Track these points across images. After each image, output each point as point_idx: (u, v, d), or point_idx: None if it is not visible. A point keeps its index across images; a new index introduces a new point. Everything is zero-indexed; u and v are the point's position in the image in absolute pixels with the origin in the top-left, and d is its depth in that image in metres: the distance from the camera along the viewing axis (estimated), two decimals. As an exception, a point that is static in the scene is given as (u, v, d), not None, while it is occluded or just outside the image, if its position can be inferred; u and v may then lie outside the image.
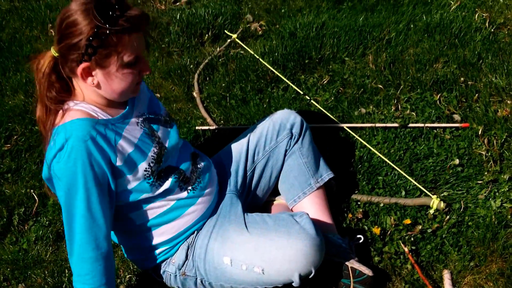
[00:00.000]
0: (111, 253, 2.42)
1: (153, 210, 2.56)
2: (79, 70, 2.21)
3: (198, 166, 2.74)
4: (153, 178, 2.47)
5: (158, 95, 4.11)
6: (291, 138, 2.97)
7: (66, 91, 2.34)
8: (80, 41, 2.14)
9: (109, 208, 2.37)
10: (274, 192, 3.10)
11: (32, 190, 3.38)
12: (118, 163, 2.33)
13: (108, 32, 2.12)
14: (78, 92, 2.34)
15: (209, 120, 3.82)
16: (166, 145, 2.57)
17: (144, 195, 2.48)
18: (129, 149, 2.38)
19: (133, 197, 2.47)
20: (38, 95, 2.33)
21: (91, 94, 2.34)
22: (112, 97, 2.35)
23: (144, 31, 2.27)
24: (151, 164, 2.46)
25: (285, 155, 3.00)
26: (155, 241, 2.64)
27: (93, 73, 2.24)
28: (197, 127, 3.75)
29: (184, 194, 2.60)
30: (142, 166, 2.42)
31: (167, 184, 2.52)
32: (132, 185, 2.43)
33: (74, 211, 2.27)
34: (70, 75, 2.29)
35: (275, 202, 3.10)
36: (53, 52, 2.25)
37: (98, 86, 2.29)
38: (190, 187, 2.63)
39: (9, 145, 3.78)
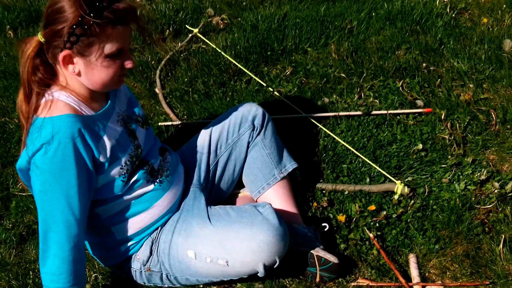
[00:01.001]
0: (85, 252, 2.41)
1: (120, 204, 2.54)
2: (60, 57, 2.20)
3: (166, 160, 2.73)
4: (127, 177, 2.47)
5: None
6: (253, 130, 2.96)
7: (51, 74, 2.32)
8: (63, 28, 2.14)
9: (87, 206, 2.37)
10: (239, 184, 3.08)
11: (-6, 193, 3.35)
12: (102, 159, 2.33)
13: (91, 22, 2.12)
14: (62, 78, 2.33)
15: (172, 115, 3.80)
16: (142, 146, 2.57)
17: (115, 192, 2.47)
18: (111, 145, 2.38)
19: (104, 194, 2.46)
20: (21, 79, 2.31)
21: (74, 83, 2.32)
22: (94, 87, 2.33)
23: (132, 24, 2.27)
24: (128, 163, 2.45)
25: (248, 148, 2.99)
26: (120, 237, 2.62)
27: (74, 61, 2.23)
28: (160, 123, 3.72)
29: (151, 187, 2.58)
30: (121, 162, 2.42)
31: (135, 176, 2.50)
32: (106, 182, 2.43)
33: (53, 207, 2.26)
34: (53, 61, 2.27)
35: (240, 195, 3.09)
36: (39, 37, 2.23)
37: (79, 74, 2.27)
38: (157, 180, 2.61)
39: (-31, 149, 3.74)
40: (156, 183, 2.60)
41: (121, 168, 2.42)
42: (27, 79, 2.28)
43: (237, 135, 2.96)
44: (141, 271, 2.66)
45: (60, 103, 2.27)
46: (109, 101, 2.46)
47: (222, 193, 3.03)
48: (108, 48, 2.20)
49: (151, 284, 2.72)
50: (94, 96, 2.40)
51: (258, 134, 2.97)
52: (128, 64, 2.32)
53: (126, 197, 2.53)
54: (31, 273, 2.85)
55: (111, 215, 2.56)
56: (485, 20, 4.53)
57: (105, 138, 2.36)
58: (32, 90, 2.29)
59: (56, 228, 2.27)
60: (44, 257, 2.33)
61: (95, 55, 2.21)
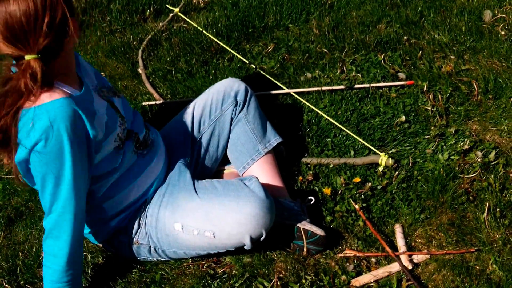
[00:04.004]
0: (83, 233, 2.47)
1: (112, 179, 2.54)
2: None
3: (149, 133, 2.74)
4: (122, 148, 2.50)
5: (103, 73, 4.07)
6: (236, 105, 2.97)
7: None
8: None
9: (87, 185, 2.39)
10: (225, 161, 3.09)
11: (-20, 177, 3.34)
12: (99, 135, 2.34)
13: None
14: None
15: (155, 95, 3.80)
16: (124, 114, 2.58)
17: (112, 166, 2.50)
18: (105, 120, 2.39)
19: (102, 169, 2.47)
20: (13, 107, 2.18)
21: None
22: (71, 69, 2.37)
23: None
24: (120, 135, 2.48)
25: (231, 123, 2.99)
26: (111, 212, 2.63)
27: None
28: (144, 103, 3.72)
29: (137, 159, 2.61)
30: (114, 135, 2.44)
31: (124, 148, 2.53)
32: (104, 157, 2.44)
33: (60, 192, 2.27)
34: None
35: (225, 171, 3.10)
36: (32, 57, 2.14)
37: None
38: (144, 152, 2.64)
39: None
40: (140, 155, 2.62)
41: (115, 141, 2.45)
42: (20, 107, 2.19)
43: (220, 111, 2.97)
44: (130, 244, 2.68)
45: (54, 87, 2.24)
46: (84, 80, 2.46)
47: (207, 169, 3.03)
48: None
49: (140, 258, 2.74)
50: (72, 77, 2.39)
51: (241, 109, 2.98)
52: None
53: (117, 171, 2.54)
54: (20, 254, 2.86)
55: (104, 191, 2.56)
56: (464, -9, 4.55)
57: (99, 114, 2.36)
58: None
59: (62, 211, 2.29)
60: (58, 243, 2.35)
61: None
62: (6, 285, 2.72)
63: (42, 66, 2.13)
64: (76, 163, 2.25)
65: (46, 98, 2.19)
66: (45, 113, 2.16)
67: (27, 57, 2.12)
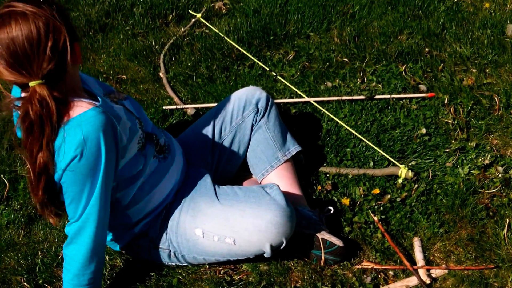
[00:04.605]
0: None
1: (136, 185, 2.55)
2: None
3: (165, 137, 2.75)
4: (144, 149, 2.51)
5: (125, 76, 4.09)
6: (257, 113, 2.97)
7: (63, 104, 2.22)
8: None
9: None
10: (245, 168, 3.10)
11: (2, 175, 3.33)
12: (124, 139, 2.35)
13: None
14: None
15: (176, 99, 3.81)
16: (137, 114, 2.59)
17: (137, 168, 2.50)
18: (128, 125, 2.40)
19: (127, 173, 2.48)
20: (43, 138, 2.15)
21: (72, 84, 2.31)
22: (78, 85, 2.36)
23: None
24: (141, 136, 2.49)
25: (251, 130, 3.00)
26: (135, 219, 2.64)
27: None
28: (164, 107, 3.73)
29: (158, 163, 2.61)
30: (137, 137, 2.45)
31: (145, 151, 2.53)
32: (128, 160, 2.45)
33: (90, 200, 2.28)
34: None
35: (246, 179, 3.11)
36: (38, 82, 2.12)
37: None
38: (164, 155, 2.65)
39: (-25, 131, 3.73)
40: (162, 160, 2.63)
41: (138, 143, 2.45)
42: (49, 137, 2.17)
43: (241, 117, 2.98)
44: (150, 248, 2.69)
45: (75, 102, 2.23)
46: (93, 90, 2.46)
47: (226, 175, 3.06)
48: None
49: (159, 262, 2.74)
50: (81, 91, 2.38)
51: (262, 117, 2.99)
52: None
53: (141, 177, 2.54)
54: (39, 253, 2.88)
55: (129, 199, 2.57)
56: (487, 4, 4.53)
57: (123, 119, 2.37)
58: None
59: (87, 217, 2.31)
60: (72, 243, 2.37)
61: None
62: (25, 284, 2.74)
63: (48, 89, 2.11)
64: (107, 171, 2.26)
65: (72, 113, 2.19)
66: (77, 126, 2.16)
67: (31, 84, 2.11)
